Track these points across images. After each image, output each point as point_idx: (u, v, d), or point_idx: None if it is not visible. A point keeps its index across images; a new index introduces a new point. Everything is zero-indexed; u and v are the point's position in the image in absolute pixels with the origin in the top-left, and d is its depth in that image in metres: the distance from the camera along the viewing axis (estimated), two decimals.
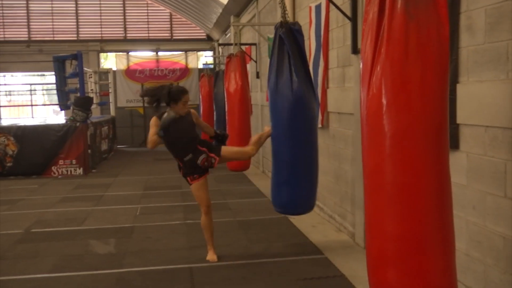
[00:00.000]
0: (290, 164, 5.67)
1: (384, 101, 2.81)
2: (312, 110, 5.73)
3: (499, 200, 3.57)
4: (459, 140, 3.99)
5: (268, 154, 11.79)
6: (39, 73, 21.18)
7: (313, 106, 5.76)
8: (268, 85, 5.79)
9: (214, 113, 12.59)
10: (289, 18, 5.76)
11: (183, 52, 21.33)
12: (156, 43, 21.28)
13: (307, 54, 7.89)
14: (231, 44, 12.44)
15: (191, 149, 5.70)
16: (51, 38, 20.60)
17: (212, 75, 14.98)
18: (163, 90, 5.61)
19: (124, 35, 21.27)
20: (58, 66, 13.69)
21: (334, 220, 7.23)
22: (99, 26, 21.05)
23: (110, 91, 19.32)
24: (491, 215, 3.68)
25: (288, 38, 5.54)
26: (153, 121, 5.59)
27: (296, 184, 5.71)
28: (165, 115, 5.50)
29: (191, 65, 21.23)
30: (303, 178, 5.74)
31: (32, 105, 21.24)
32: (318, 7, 7.40)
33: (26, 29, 20.54)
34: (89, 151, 13.24)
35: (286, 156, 5.69)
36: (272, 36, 10.15)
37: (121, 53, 21.11)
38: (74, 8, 20.81)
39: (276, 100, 5.65)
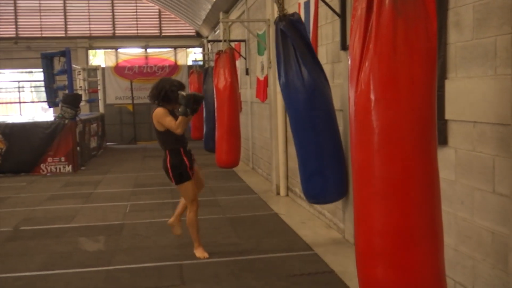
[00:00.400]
0: (316, 153, 5.77)
1: (372, 97, 2.82)
2: (327, 96, 5.83)
3: (488, 196, 3.59)
4: (447, 135, 4.01)
5: (257, 151, 11.80)
6: (27, 70, 21.03)
7: (328, 92, 5.86)
8: (280, 81, 5.84)
9: (204, 110, 12.56)
10: (286, 11, 5.77)
11: (172, 49, 21.28)
12: (145, 40, 21.20)
13: None
14: (220, 41, 12.40)
15: (186, 139, 5.81)
16: (39, 35, 20.47)
17: (201, 72, 14.94)
18: (171, 81, 5.73)
19: (112, 32, 21.17)
20: (46, 63, 13.60)
21: (324, 216, 7.24)
22: (88, 22, 20.94)
23: (99, 88, 19.23)
24: (479, 210, 3.70)
25: (290, 30, 5.60)
26: (162, 111, 5.57)
27: (326, 172, 5.82)
28: (181, 95, 5.43)
29: (180, 62, 21.18)
30: (331, 165, 5.85)
31: (20, 103, 21.10)
32: (307, 4, 7.40)
33: (14, 26, 20.40)
34: (78, 148, 13.17)
35: (311, 147, 5.78)
36: (261, 32, 10.15)
37: (109, 50, 21.02)
38: (62, 5, 20.69)
39: (289, 93, 5.72)
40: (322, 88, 5.77)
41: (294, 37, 5.61)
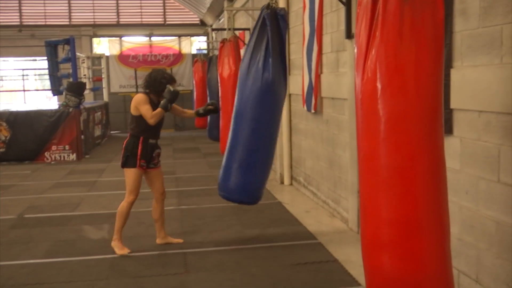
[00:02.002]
0: (248, 149, 5.59)
1: (378, 85, 2.80)
2: (279, 97, 5.69)
3: (492, 185, 3.58)
4: (452, 125, 3.99)
5: None
6: (31, 58, 21.01)
7: (282, 93, 5.72)
8: (240, 65, 5.73)
9: (208, 98, 12.55)
10: (276, 4, 5.73)
11: (177, 37, 21.22)
12: (149, 28, 21.15)
13: (301, 38, 7.89)
14: (224, 29, 12.37)
15: (158, 134, 5.79)
16: (43, 23, 20.42)
17: (206, 60, 14.92)
18: (163, 73, 5.71)
19: (117, 20, 21.11)
20: (50, 51, 13.59)
21: (328, 205, 7.25)
22: (92, 10, 20.88)
23: (103, 76, 19.21)
24: (484, 200, 3.69)
25: (271, 21, 5.52)
26: (143, 97, 5.57)
27: (250, 170, 5.61)
28: (168, 89, 5.53)
29: (185, 50, 21.12)
30: (257, 166, 5.65)
31: (24, 91, 21.11)
32: None
33: (18, 14, 20.36)
34: (82, 136, 13.18)
35: (246, 141, 5.59)
36: None
37: (114, 38, 20.97)
38: None
39: (246, 80, 5.59)
40: (278, 88, 5.59)
41: (272, 29, 5.51)
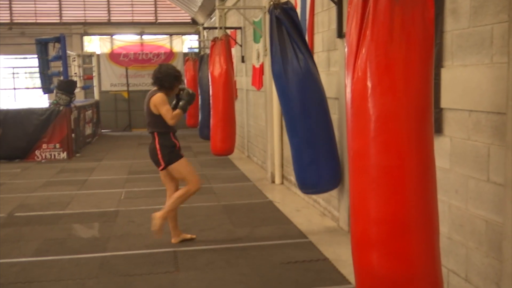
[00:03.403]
0: (310, 142, 5.78)
1: (369, 84, 2.81)
2: (320, 85, 5.88)
3: (482, 184, 3.59)
4: (442, 124, 4.00)
5: (252, 138, 11.80)
6: (22, 56, 20.89)
7: (320, 80, 5.92)
8: (273, 69, 5.83)
9: (199, 97, 12.53)
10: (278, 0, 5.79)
11: (168, 36, 21.17)
12: (140, 27, 21.09)
13: None
14: (216, 28, 12.36)
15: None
16: (34, 21, 20.32)
17: (197, 59, 14.89)
18: (174, 68, 5.72)
19: (108, 18, 21.04)
20: (41, 49, 13.51)
21: (319, 204, 7.26)
22: (83, 8, 20.79)
23: (94, 74, 19.15)
24: (473, 199, 3.70)
25: (286, 18, 5.65)
26: (163, 98, 5.57)
27: (320, 161, 5.84)
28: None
29: (176, 49, 21.09)
30: (325, 154, 5.87)
31: (14, 89, 20.98)
32: None
33: (8, 11, 20.24)
34: (73, 135, 13.13)
35: (305, 136, 5.79)
36: (257, 19, 10.11)
37: (105, 36, 20.90)
38: None
39: (287, 81, 5.71)
40: (316, 76, 5.82)
41: (289, 24, 5.66)
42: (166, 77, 5.58)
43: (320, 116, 5.82)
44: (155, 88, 5.66)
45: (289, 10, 5.70)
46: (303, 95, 5.67)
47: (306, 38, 7.25)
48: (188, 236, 6.05)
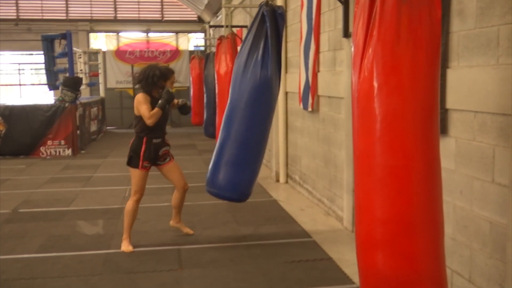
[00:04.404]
0: (240, 145, 5.57)
1: (375, 84, 2.80)
2: (275, 95, 5.70)
3: (487, 185, 3.59)
4: (448, 125, 4.00)
5: None
6: (28, 52, 20.94)
7: (276, 91, 5.74)
8: (236, 60, 5.71)
9: (204, 95, 12.53)
10: (274, 2, 5.74)
11: (174, 34, 21.19)
12: (146, 24, 21.11)
13: (299, 36, 7.88)
14: (222, 26, 12.35)
15: (163, 133, 5.77)
16: (40, 17, 20.37)
17: (203, 57, 14.89)
18: (154, 69, 5.63)
19: (114, 15, 21.07)
20: (47, 45, 13.53)
21: (323, 203, 7.25)
22: (89, 5, 20.83)
23: (99, 71, 19.17)
24: (478, 200, 3.70)
25: (270, 18, 5.53)
26: (142, 97, 5.55)
27: (240, 166, 5.60)
28: (166, 89, 5.56)
29: (182, 47, 21.10)
30: (248, 162, 5.64)
31: (20, 85, 21.04)
32: None
33: (15, 8, 20.30)
34: (78, 132, 13.16)
35: (240, 137, 5.57)
36: None
37: (111, 33, 20.92)
38: None
39: (243, 77, 5.57)
40: (274, 86, 5.60)
41: (271, 26, 5.51)
42: (146, 78, 5.59)
43: (255, 125, 5.60)
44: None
45: (278, 15, 5.57)
46: (252, 99, 5.50)
47: (313, 37, 7.25)
48: (185, 229, 6.11)
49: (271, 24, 5.52)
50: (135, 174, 5.65)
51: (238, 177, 5.62)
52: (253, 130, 5.58)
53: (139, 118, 5.58)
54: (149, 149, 5.61)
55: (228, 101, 5.75)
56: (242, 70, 5.58)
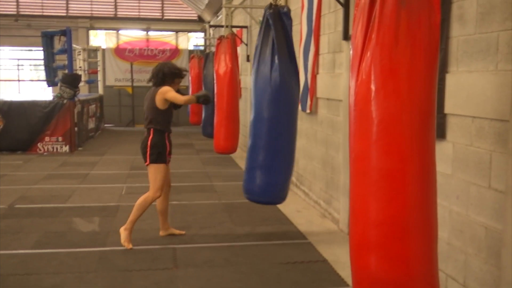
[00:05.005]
0: (267, 150, 5.61)
1: (372, 87, 2.81)
2: (291, 95, 5.70)
3: (483, 191, 3.59)
4: (446, 129, 4.00)
5: None
6: (27, 48, 20.93)
7: (294, 92, 5.74)
8: (252, 67, 5.79)
9: None
10: (280, 1, 5.72)
11: (174, 33, 21.18)
12: (146, 23, 21.10)
13: (298, 38, 7.89)
14: (222, 26, 12.36)
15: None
16: (40, 13, 20.34)
17: (202, 56, 14.90)
18: (169, 67, 5.78)
19: (114, 13, 21.06)
20: (47, 41, 13.52)
21: (319, 205, 7.26)
22: (89, 2, 20.81)
23: (98, 69, 19.15)
24: (474, 205, 3.70)
25: (274, 20, 5.52)
26: (170, 88, 5.64)
27: (271, 171, 5.64)
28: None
29: (181, 46, 21.10)
30: (278, 166, 5.66)
31: (19, 80, 21.01)
32: None
33: (15, 3, 20.27)
34: (76, 128, 13.14)
35: (262, 141, 5.62)
36: None
37: (110, 31, 20.91)
38: None
39: (257, 83, 5.63)
40: (288, 87, 5.61)
41: (276, 29, 5.52)
42: (158, 73, 5.69)
43: (283, 127, 5.65)
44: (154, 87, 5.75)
45: (282, 15, 5.56)
46: (267, 103, 5.55)
47: (312, 39, 7.26)
48: (177, 231, 6.10)
49: (276, 26, 5.54)
50: (161, 169, 5.65)
51: (271, 182, 5.68)
52: (275, 134, 5.61)
53: (163, 112, 5.63)
54: (170, 143, 5.76)
55: (252, 109, 5.82)
56: (256, 76, 5.67)
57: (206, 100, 5.76)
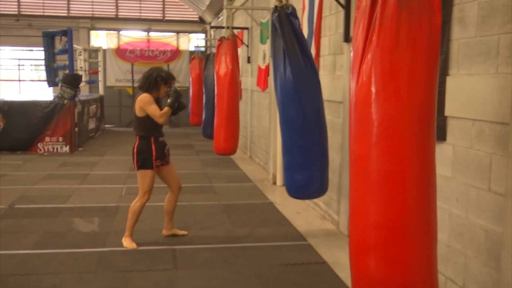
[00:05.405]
0: (297, 148, 5.70)
1: (373, 89, 2.81)
2: (307, 95, 5.72)
3: (483, 193, 3.60)
4: (446, 132, 4.00)
5: (255, 139, 11.80)
6: (28, 48, 20.93)
7: (311, 91, 5.76)
8: (274, 73, 5.87)
9: (203, 96, 12.53)
10: (284, 2, 5.72)
11: (175, 34, 21.19)
12: (147, 23, 21.11)
13: None
14: (223, 28, 12.36)
15: (162, 131, 5.82)
16: (41, 13, 20.36)
17: (203, 58, 14.89)
18: (160, 71, 5.73)
19: (115, 13, 21.07)
20: (48, 41, 13.54)
21: (319, 207, 7.26)
22: (90, 3, 20.82)
23: (99, 69, 19.16)
24: (474, 208, 3.70)
25: (281, 23, 5.53)
26: (148, 98, 5.58)
27: (308, 167, 5.74)
28: (174, 88, 5.66)
29: (182, 47, 21.11)
30: (315, 160, 5.76)
31: (19, 80, 21.01)
32: None
33: (16, 3, 20.28)
34: (76, 129, 13.15)
35: (289, 141, 5.74)
36: (264, 21, 10.12)
37: (111, 31, 20.92)
38: None
39: (276, 85, 5.73)
40: (304, 87, 5.64)
41: (284, 30, 5.52)
42: (149, 80, 5.63)
43: (310, 124, 5.70)
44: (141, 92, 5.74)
45: (289, 15, 5.56)
46: (286, 104, 5.64)
47: (313, 41, 7.26)
48: (180, 232, 6.13)
49: (283, 27, 5.55)
50: (147, 175, 5.66)
51: (307, 177, 5.75)
52: (300, 133, 5.67)
53: (143, 119, 5.60)
54: (159, 148, 5.68)
55: (278, 111, 5.91)
56: (275, 81, 5.75)
57: (180, 107, 5.74)
